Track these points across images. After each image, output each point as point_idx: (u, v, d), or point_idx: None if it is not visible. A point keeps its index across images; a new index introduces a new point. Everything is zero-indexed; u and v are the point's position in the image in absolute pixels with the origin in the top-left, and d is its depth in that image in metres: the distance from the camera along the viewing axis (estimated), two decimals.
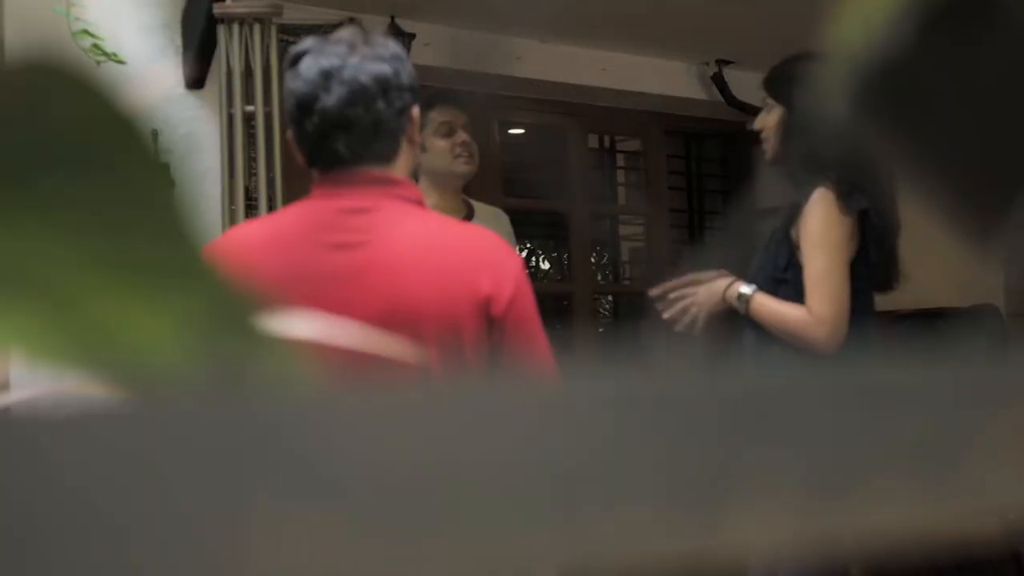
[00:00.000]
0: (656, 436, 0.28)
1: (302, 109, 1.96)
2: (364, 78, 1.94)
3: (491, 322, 1.91)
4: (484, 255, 1.95)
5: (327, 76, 1.94)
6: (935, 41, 0.40)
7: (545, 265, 8.17)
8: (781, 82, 3.26)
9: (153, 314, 0.29)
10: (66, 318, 0.28)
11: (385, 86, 1.96)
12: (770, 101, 3.26)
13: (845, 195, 3.06)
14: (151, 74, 4.31)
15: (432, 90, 3.92)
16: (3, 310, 0.28)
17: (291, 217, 2.06)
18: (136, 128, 0.29)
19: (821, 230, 3.07)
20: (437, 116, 3.79)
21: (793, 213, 3.12)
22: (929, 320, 4.69)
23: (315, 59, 1.97)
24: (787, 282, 3.13)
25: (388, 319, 1.85)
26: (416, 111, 2.03)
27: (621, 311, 6.96)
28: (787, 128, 3.18)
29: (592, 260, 6.76)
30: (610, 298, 7.27)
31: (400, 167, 2.00)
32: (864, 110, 0.42)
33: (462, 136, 3.78)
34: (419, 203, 2.01)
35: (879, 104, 0.42)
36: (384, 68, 1.96)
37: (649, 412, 0.28)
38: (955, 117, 0.43)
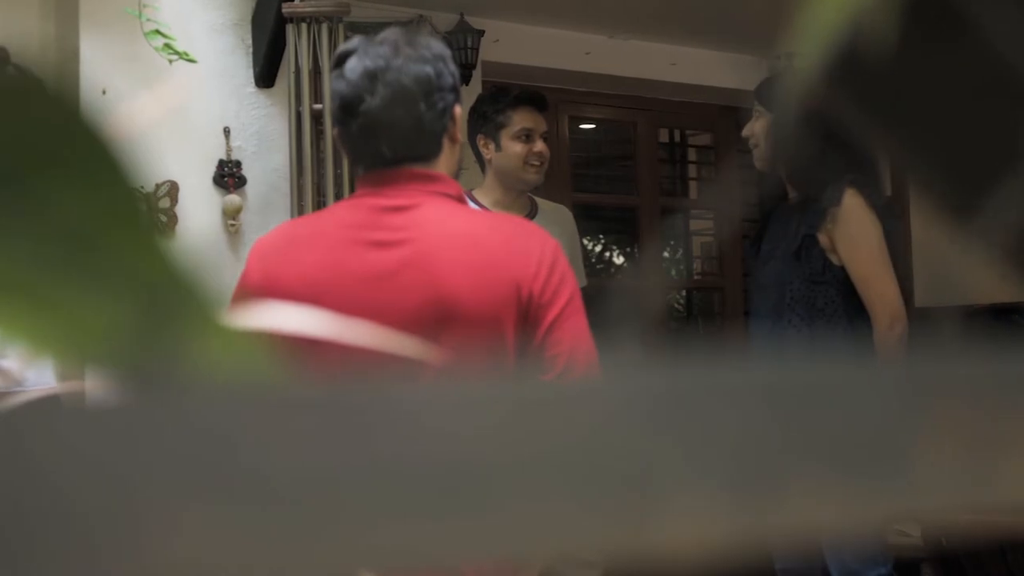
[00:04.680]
0: (607, 429, 0.29)
1: (347, 110, 1.98)
2: (406, 80, 1.96)
3: (528, 309, 1.92)
4: (521, 243, 1.95)
5: (371, 77, 1.96)
6: (913, 33, 0.41)
7: (619, 260, 8.14)
8: (768, 89, 3.34)
9: (108, 312, 0.30)
10: (43, 315, 0.30)
11: (427, 88, 1.97)
12: (759, 108, 3.32)
13: (867, 193, 3.12)
14: (222, 73, 4.35)
15: (518, 90, 3.90)
16: None
17: (334, 215, 2.08)
18: (105, 145, 0.30)
19: (864, 234, 3.13)
20: (520, 120, 3.77)
21: (819, 217, 3.16)
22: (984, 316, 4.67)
23: (360, 60, 1.98)
24: (826, 283, 3.17)
25: (427, 316, 1.86)
26: (459, 110, 2.04)
27: (694, 306, 6.93)
28: (777, 134, 3.25)
29: (666, 255, 6.74)
30: (684, 293, 7.25)
31: (441, 165, 2.02)
32: (844, 104, 0.43)
33: (539, 146, 3.76)
34: (459, 199, 2.02)
35: (860, 97, 0.43)
36: (426, 69, 1.98)
37: (600, 406, 0.29)
38: (934, 108, 0.43)
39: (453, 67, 2.03)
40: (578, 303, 1.96)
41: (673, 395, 0.29)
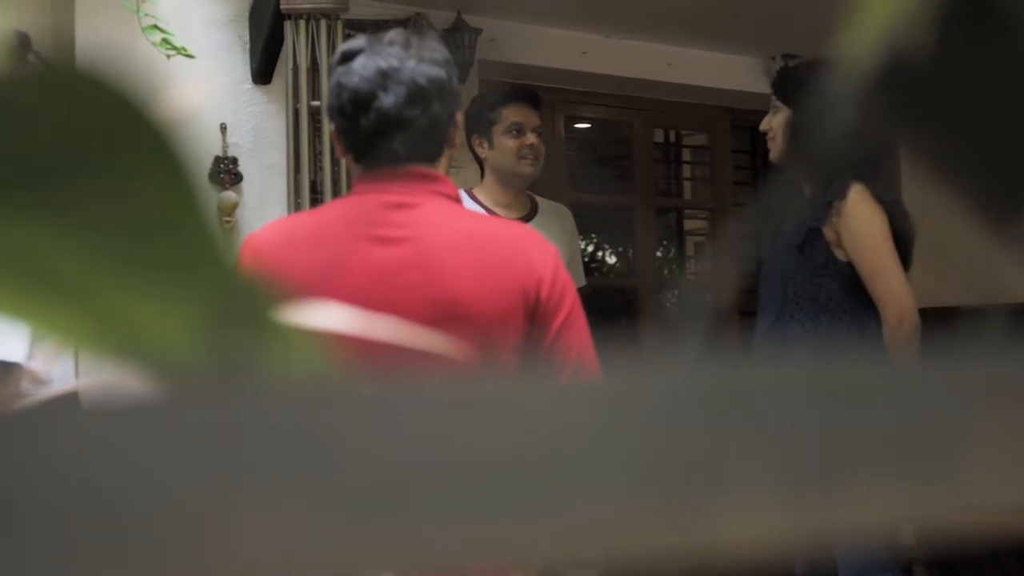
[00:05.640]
0: (646, 428, 0.29)
1: (359, 105, 1.97)
2: (422, 80, 1.97)
3: (535, 313, 1.94)
4: (525, 247, 1.98)
5: (385, 76, 1.97)
6: (954, 35, 0.41)
7: (611, 259, 8.14)
8: (788, 84, 3.35)
9: (168, 308, 0.29)
10: (90, 311, 0.29)
11: (441, 89, 1.99)
12: (777, 103, 3.32)
13: (875, 188, 3.12)
14: (219, 69, 4.35)
15: (508, 87, 3.92)
16: (31, 302, 0.29)
17: (334, 211, 2.09)
18: (160, 129, 0.29)
19: (869, 228, 3.12)
20: (509, 115, 3.80)
21: (824, 211, 3.16)
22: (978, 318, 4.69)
23: (371, 58, 1.99)
24: (828, 277, 3.17)
25: (434, 313, 1.87)
26: (460, 116, 2.06)
27: (687, 305, 6.93)
28: (794, 129, 3.25)
29: (659, 255, 6.74)
30: (676, 292, 7.25)
31: (441, 167, 2.04)
32: (883, 107, 0.43)
33: (531, 139, 3.79)
34: (458, 200, 2.04)
35: (898, 100, 0.43)
36: (440, 72, 2.00)
37: (640, 405, 0.29)
38: (976, 110, 0.43)
39: (456, 72, 2.06)
40: (579, 307, 1.99)
41: (714, 393, 0.29)
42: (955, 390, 0.31)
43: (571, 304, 1.97)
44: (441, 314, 1.87)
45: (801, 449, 0.30)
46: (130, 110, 0.29)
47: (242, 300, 0.30)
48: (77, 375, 2.69)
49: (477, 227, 2.00)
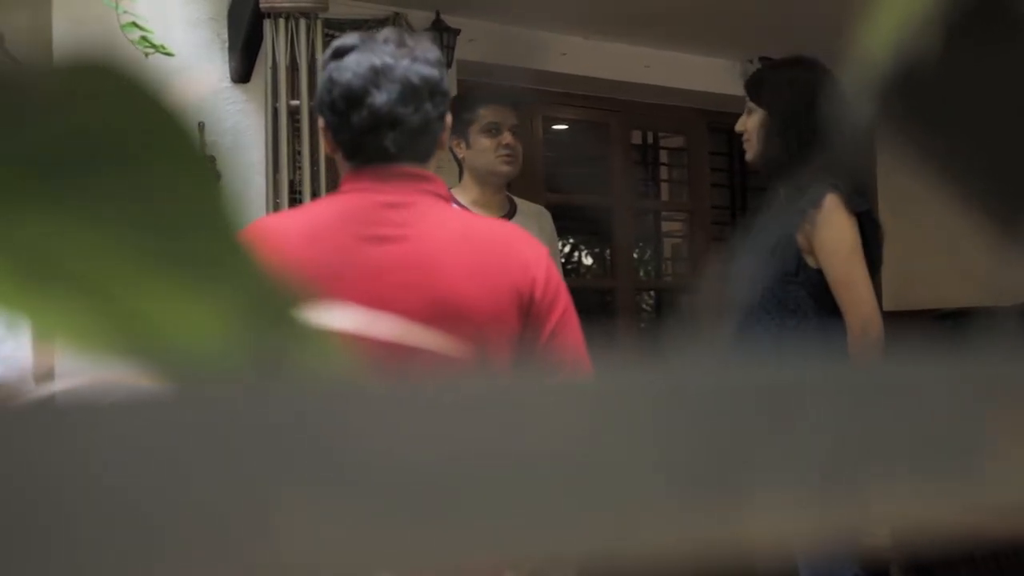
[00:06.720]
0: (672, 428, 0.29)
1: (351, 102, 1.98)
2: (415, 79, 1.98)
3: (529, 312, 1.95)
4: (518, 247, 1.99)
5: (378, 73, 1.97)
6: (962, 40, 0.41)
7: (587, 261, 8.14)
8: (762, 86, 3.36)
9: (194, 305, 0.29)
10: (106, 309, 0.29)
11: (433, 89, 2.00)
12: (751, 105, 3.33)
13: (849, 198, 3.13)
14: (198, 68, 4.33)
15: (485, 87, 3.93)
16: (44, 301, 0.29)
17: (325, 210, 2.09)
18: (180, 123, 0.29)
19: (842, 238, 3.13)
20: (486, 114, 3.80)
21: (798, 218, 3.17)
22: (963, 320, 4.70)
23: (364, 55, 1.99)
24: (798, 284, 3.19)
25: (431, 312, 1.87)
26: (450, 118, 2.06)
27: (663, 307, 6.95)
28: (768, 131, 3.26)
29: (635, 256, 6.75)
30: (652, 294, 7.26)
31: (431, 167, 2.04)
32: (889, 111, 0.43)
33: (507, 138, 3.80)
34: (448, 200, 2.06)
35: (906, 105, 0.43)
36: (433, 72, 2.01)
37: (664, 404, 0.29)
38: (982, 114, 0.43)
39: (446, 73, 2.06)
40: (572, 308, 2.00)
41: (715, 392, 0.30)
42: (968, 390, 0.32)
43: (564, 305, 1.98)
44: (439, 313, 1.88)
45: (808, 448, 0.30)
46: (152, 103, 0.28)
47: (268, 298, 0.30)
48: (38, 384, 2.67)
49: (472, 226, 2.02)
